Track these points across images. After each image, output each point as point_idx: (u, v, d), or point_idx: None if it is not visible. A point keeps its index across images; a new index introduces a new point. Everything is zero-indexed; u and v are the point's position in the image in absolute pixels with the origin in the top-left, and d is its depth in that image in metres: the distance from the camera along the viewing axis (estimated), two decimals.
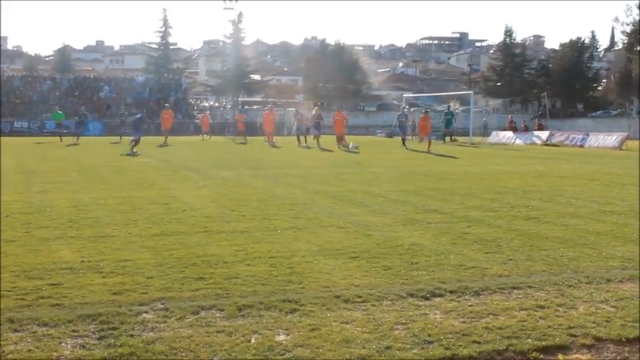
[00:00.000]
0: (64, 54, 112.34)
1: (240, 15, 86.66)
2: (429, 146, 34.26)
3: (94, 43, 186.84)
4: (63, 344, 5.16)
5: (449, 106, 55.15)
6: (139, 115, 36.96)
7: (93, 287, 6.73)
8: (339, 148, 35.21)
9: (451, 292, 6.70)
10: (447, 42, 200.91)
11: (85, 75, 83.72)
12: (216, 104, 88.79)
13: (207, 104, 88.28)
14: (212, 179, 18.20)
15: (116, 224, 10.50)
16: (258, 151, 33.50)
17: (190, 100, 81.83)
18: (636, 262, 8.11)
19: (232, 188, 15.91)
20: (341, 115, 39.84)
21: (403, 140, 37.56)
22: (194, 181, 17.49)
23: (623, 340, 5.43)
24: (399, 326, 5.66)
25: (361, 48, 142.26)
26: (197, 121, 59.72)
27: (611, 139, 42.44)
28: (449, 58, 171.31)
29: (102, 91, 71.47)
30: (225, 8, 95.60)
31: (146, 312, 5.97)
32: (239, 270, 7.48)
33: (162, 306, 6.13)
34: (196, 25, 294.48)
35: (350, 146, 35.41)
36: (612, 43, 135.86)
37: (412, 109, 64.05)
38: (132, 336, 5.35)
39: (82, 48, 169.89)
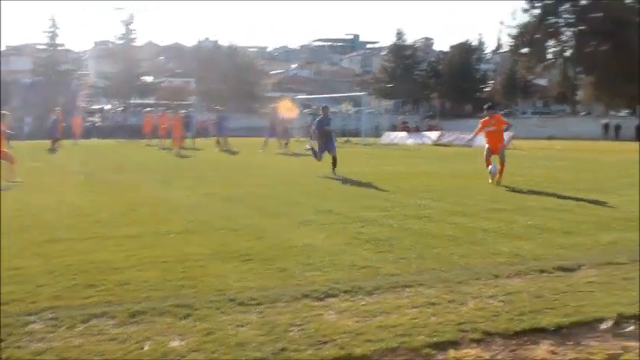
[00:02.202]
0: None
1: (131, 16, 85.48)
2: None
3: None
4: None
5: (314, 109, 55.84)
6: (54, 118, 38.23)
7: None
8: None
9: (345, 292, 6.75)
10: (339, 44, 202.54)
11: None
12: (108, 106, 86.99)
13: (98, 107, 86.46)
14: (104, 183, 17.82)
15: (7, 232, 10.14)
16: (151, 155, 32.98)
17: (81, 103, 79.91)
18: (522, 258, 8.39)
19: (124, 192, 15.62)
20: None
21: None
22: (85, 186, 17.08)
23: (510, 333, 5.60)
24: (293, 328, 5.68)
25: (254, 50, 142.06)
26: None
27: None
28: (341, 60, 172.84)
29: None
30: (115, 9, 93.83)
31: (34, 322, 5.78)
32: (131, 276, 7.34)
33: (51, 315, 5.95)
34: (86, 26, 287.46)
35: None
36: (499, 45, 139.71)
37: (305, 111, 64.35)
38: (19, 347, 5.18)
39: None
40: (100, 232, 10.09)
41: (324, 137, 21.06)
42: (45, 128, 42.80)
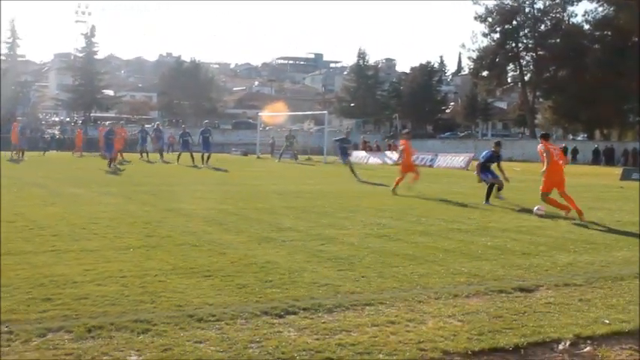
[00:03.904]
0: None
1: (92, 28, 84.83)
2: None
3: None
4: None
5: (290, 129, 56.47)
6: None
7: None
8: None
9: (305, 309, 6.74)
10: (302, 62, 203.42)
11: None
12: (67, 119, 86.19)
13: (58, 119, 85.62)
14: (61, 196, 17.59)
15: None
16: (108, 169, 32.68)
17: (39, 114, 79.05)
18: (481, 278, 8.45)
19: (83, 206, 15.44)
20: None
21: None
22: (43, 198, 16.84)
23: (469, 352, 5.64)
24: (253, 345, 5.65)
25: (217, 66, 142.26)
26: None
27: (459, 159, 44.28)
28: (304, 78, 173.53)
29: None
30: (77, 21, 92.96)
31: None
32: (89, 290, 7.25)
33: (6, 329, 5.84)
34: (47, 37, 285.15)
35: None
36: (459, 68, 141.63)
37: (267, 128, 64.53)
38: None
39: None
40: (57, 246, 9.96)
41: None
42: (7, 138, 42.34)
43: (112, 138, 33.72)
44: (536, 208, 15.74)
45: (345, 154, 29.90)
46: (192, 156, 36.91)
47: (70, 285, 7.48)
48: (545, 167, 15.47)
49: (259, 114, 67.02)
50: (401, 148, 21.42)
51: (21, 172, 28.26)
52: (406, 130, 19.94)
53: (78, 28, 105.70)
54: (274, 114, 77.10)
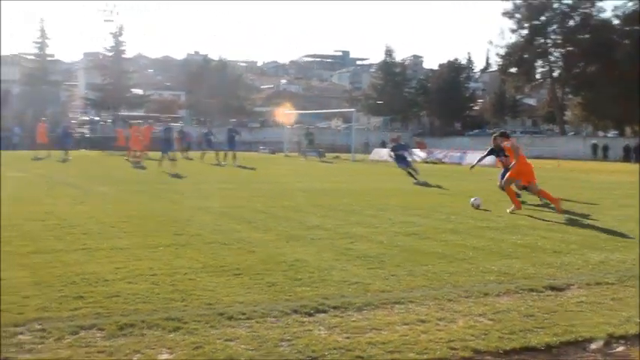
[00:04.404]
0: None
1: (121, 28, 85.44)
2: None
3: None
4: None
5: (307, 127, 56.41)
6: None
7: None
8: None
9: (335, 307, 6.73)
10: (329, 60, 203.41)
11: None
12: (97, 118, 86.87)
13: (87, 118, 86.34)
14: (91, 195, 17.75)
15: None
16: (137, 167, 32.90)
17: (69, 114, 79.76)
18: (512, 276, 8.39)
19: (112, 204, 15.55)
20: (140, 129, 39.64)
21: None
22: (73, 197, 16.99)
23: (500, 351, 5.59)
24: (283, 343, 5.65)
25: (244, 64, 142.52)
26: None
27: (488, 157, 43.92)
28: (331, 76, 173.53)
29: None
30: (105, 20, 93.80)
31: (22, 333, 5.72)
32: (120, 288, 7.30)
33: (39, 327, 5.90)
34: (76, 37, 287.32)
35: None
36: (487, 64, 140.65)
37: (295, 126, 64.67)
38: (7, 359, 5.13)
39: None
40: (88, 244, 10.03)
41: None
42: (55, 137, 42.50)
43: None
44: (472, 199, 16.43)
45: (402, 161, 26.67)
46: (216, 154, 37.10)
47: (102, 283, 7.53)
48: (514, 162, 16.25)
49: (287, 112, 67.11)
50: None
51: (50, 170, 28.51)
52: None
53: (106, 28, 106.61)
54: (301, 112, 77.27)
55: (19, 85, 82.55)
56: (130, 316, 6.28)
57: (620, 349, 5.81)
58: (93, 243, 10.13)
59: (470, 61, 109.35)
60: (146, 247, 9.89)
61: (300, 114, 77.95)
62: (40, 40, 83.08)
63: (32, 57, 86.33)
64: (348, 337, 5.83)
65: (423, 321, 6.37)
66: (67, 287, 7.29)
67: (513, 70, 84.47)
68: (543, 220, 14.21)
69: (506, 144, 16.84)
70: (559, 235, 11.94)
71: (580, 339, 5.97)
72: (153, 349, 5.43)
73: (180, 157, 39.72)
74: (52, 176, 24.89)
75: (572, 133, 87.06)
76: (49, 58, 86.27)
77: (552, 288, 7.81)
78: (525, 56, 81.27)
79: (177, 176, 25.62)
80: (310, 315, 6.49)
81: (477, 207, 15.90)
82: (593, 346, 5.82)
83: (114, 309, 6.50)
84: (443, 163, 45.27)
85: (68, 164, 33.96)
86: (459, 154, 47.10)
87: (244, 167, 33.45)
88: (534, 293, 7.56)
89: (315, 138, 50.78)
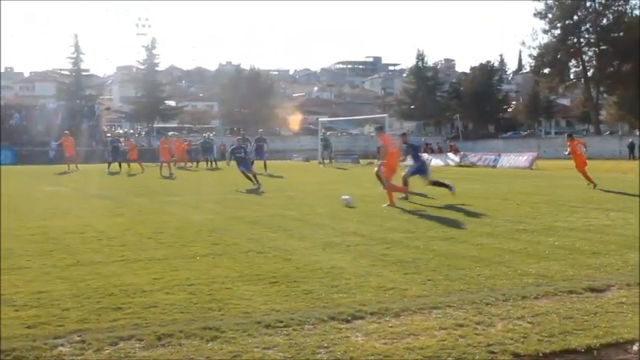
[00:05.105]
0: None
1: (153, 41, 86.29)
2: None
3: (2, 70, 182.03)
4: None
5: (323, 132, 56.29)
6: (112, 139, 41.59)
7: (6, 321, 6.49)
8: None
9: (372, 313, 6.71)
10: (360, 66, 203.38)
11: None
12: (131, 130, 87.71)
13: (121, 131, 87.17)
14: (127, 207, 17.90)
15: (30, 255, 10.18)
16: (170, 178, 33.13)
17: (104, 127, 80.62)
18: (550, 279, 8.30)
19: (148, 215, 15.68)
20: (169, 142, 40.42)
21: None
22: (109, 209, 17.16)
23: (540, 355, 5.54)
24: (321, 350, 5.65)
25: (276, 73, 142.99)
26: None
27: (522, 159, 43.75)
28: (363, 82, 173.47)
29: (12, 119, 69.54)
30: (138, 34, 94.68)
31: (62, 345, 5.79)
32: (157, 298, 7.35)
33: (78, 338, 5.96)
34: (109, 51, 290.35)
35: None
36: (520, 66, 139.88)
37: (328, 133, 64.76)
38: None
39: None
40: (126, 255, 10.12)
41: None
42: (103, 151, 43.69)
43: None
44: (342, 197, 17.20)
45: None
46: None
47: (140, 294, 7.59)
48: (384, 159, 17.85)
49: (319, 119, 67.21)
50: None
51: (85, 183, 28.79)
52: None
53: (139, 41, 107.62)
54: (334, 119, 77.29)
55: (55, 100, 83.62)
56: (168, 326, 6.32)
57: None
58: (130, 254, 10.22)
59: (502, 63, 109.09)
60: (183, 258, 9.95)
61: (332, 121, 78.01)
62: (74, 56, 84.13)
63: (67, 72, 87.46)
64: (385, 343, 5.81)
65: (460, 325, 6.33)
66: (106, 299, 7.36)
67: (546, 70, 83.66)
68: (581, 220, 14.05)
69: None
70: (597, 236, 11.80)
71: (621, 340, 5.89)
72: (191, 358, 5.45)
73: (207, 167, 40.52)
74: (86, 189, 25.13)
75: (607, 132, 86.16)
76: (83, 73, 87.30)
77: (592, 289, 7.72)
78: (558, 56, 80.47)
79: (210, 186, 25.73)
80: (347, 322, 6.48)
81: (348, 205, 16.62)
82: (635, 347, 5.74)
83: (152, 319, 6.54)
84: (477, 166, 45.05)
85: (103, 176, 34.29)
86: (493, 157, 46.84)
87: (272, 176, 33.45)
88: (573, 295, 7.48)
89: (330, 144, 51.45)
